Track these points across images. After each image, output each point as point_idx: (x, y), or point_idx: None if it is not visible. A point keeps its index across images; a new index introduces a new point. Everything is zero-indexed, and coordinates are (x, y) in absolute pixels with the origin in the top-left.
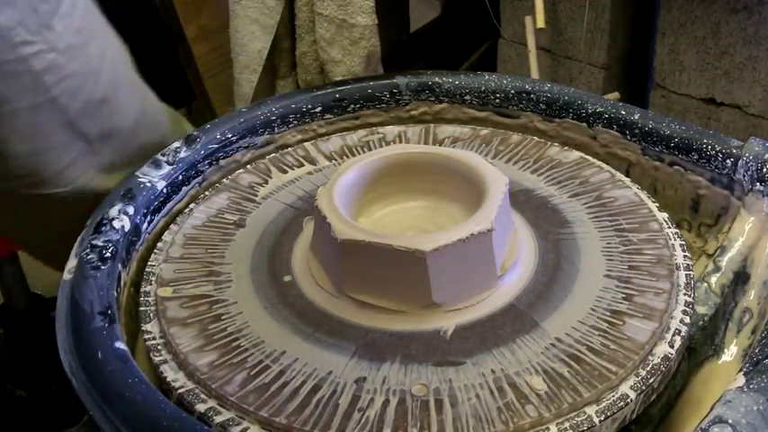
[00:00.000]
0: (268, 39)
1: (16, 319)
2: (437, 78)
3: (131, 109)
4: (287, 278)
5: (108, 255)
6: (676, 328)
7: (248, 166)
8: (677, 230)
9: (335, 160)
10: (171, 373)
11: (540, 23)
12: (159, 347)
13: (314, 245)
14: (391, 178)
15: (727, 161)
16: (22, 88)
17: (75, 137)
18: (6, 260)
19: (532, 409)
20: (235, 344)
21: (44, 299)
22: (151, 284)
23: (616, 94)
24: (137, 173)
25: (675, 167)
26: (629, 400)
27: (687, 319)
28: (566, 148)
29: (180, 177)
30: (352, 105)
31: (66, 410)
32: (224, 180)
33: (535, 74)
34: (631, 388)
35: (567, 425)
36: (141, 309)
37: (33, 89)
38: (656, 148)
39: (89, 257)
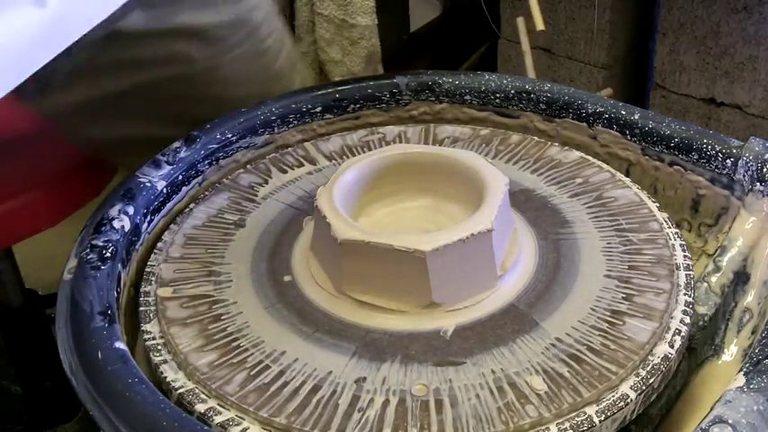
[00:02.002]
0: None
1: (11, 315)
2: (437, 78)
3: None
4: (287, 278)
5: (108, 255)
6: (676, 328)
7: (248, 166)
8: (677, 230)
9: (335, 160)
10: (171, 373)
11: (540, 26)
12: (159, 347)
13: (314, 245)
14: (391, 178)
15: (727, 161)
16: (246, 35)
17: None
18: (1, 256)
19: (532, 409)
20: (235, 344)
21: (39, 295)
22: (151, 284)
23: (609, 90)
24: (137, 173)
25: (675, 167)
26: (629, 400)
27: (687, 319)
28: (566, 148)
29: (180, 177)
30: (352, 105)
31: (61, 406)
32: (224, 180)
33: (531, 75)
34: (631, 388)
35: (566, 425)
36: (141, 309)
37: (253, 37)
38: (656, 148)
39: (89, 257)
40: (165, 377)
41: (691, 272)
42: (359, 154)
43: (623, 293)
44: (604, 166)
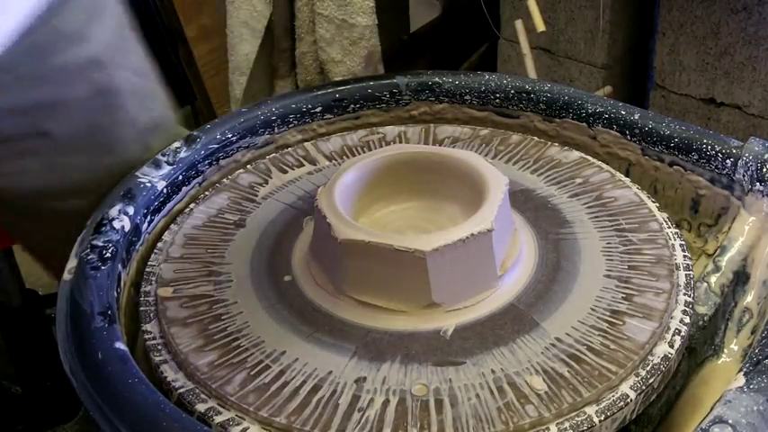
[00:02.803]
0: (256, 43)
1: (11, 315)
2: (437, 78)
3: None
4: (287, 278)
5: (108, 255)
6: (676, 328)
7: (248, 166)
8: (677, 230)
9: (335, 160)
10: (171, 373)
11: (540, 27)
12: (159, 347)
13: (314, 245)
14: (391, 178)
15: (727, 161)
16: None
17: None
18: (1, 256)
19: (532, 409)
20: (235, 344)
21: (39, 295)
22: (151, 284)
23: (609, 88)
24: (137, 173)
25: (675, 167)
26: (628, 400)
27: (687, 319)
28: (566, 148)
29: (180, 177)
30: (352, 105)
31: (61, 406)
32: (224, 180)
33: (533, 77)
34: (631, 388)
35: (566, 425)
36: (141, 309)
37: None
38: (656, 148)
39: (89, 258)
40: (166, 377)
41: (690, 272)
42: (359, 154)
43: (623, 293)
44: (604, 166)
